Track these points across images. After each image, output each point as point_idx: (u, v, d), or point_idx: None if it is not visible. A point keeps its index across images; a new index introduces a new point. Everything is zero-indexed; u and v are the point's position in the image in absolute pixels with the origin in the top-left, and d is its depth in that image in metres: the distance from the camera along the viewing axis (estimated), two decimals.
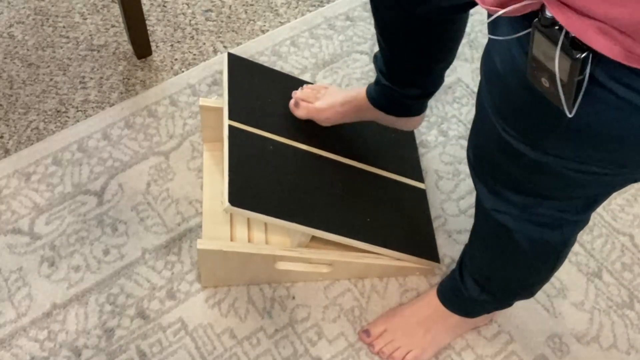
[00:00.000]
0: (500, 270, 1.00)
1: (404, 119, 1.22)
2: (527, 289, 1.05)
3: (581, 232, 1.31)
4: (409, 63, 1.10)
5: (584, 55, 0.56)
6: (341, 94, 1.26)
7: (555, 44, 0.57)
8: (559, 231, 0.88)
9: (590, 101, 0.61)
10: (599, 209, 1.35)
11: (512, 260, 0.95)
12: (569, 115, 0.62)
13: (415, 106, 1.20)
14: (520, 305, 1.23)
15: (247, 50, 1.56)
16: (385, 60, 1.12)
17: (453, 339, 1.18)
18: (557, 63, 0.58)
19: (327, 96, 1.26)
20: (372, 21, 1.62)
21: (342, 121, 1.25)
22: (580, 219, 0.88)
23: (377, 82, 1.18)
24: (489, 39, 0.70)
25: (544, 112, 0.64)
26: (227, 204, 1.05)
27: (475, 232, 1.01)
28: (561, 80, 0.59)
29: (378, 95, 1.19)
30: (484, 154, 0.83)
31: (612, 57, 0.55)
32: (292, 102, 1.25)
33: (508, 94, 0.69)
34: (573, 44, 0.56)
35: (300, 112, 1.24)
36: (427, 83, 1.15)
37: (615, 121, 0.61)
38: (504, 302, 1.10)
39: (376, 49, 1.57)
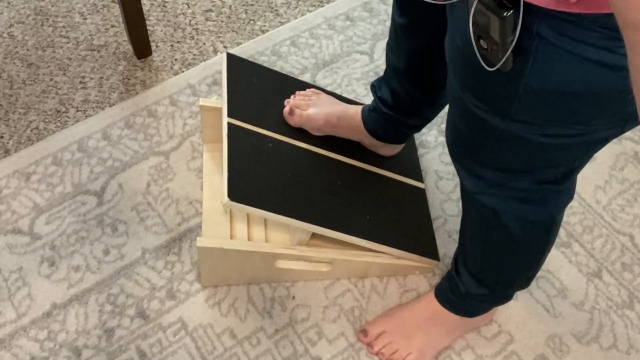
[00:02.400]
0: (493, 258, 1.01)
1: (389, 146, 1.28)
2: (522, 276, 1.05)
3: (581, 232, 1.32)
4: (421, 91, 1.13)
5: (510, 12, 0.59)
6: (338, 107, 1.27)
7: (484, 4, 0.60)
8: (544, 206, 0.89)
9: (541, 59, 0.63)
10: (599, 209, 1.35)
11: (504, 245, 0.96)
12: (488, 70, 0.64)
13: (408, 135, 1.27)
14: (520, 305, 1.23)
15: (247, 50, 1.56)
16: (395, 90, 1.15)
17: (453, 341, 1.18)
18: (472, 14, 0.62)
19: (320, 104, 1.26)
20: (372, 21, 1.63)
21: (332, 133, 1.26)
22: (562, 190, 0.88)
23: (374, 109, 1.20)
24: (449, 25, 0.74)
25: (502, 77, 0.66)
26: (226, 199, 1.05)
27: (464, 222, 1.01)
28: (495, 41, 0.62)
29: (374, 122, 1.22)
30: (460, 134, 0.84)
31: (541, 4, 0.57)
32: (286, 109, 1.25)
33: (469, 66, 0.71)
34: (501, 4, 0.59)
35: (294, 120, 1.25)
36: (430, 112, 1.19)
37: (566, 75, 0.63)
38: (502, 294, 1.09)
39: (376, 48, 1.58)
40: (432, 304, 1.14)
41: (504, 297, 1.11)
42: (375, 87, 1.20)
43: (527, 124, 0.71)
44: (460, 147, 0.86)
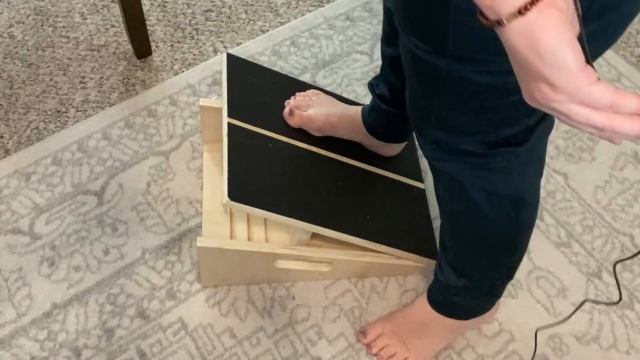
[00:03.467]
0: (466, 239, 0.99)
1: (390, 146, 1.27)
2: (501, 265, 1.02)
3: (581, 232, 1.32)
4: None
5: None
6: (338, 107, 1.27)
7: None
8: (509, 176, 0.87)
9: None
10: (599, 209, 1.35)
11: (475, 223, 0.94)
12: None
13: (408, 132, 1.26)
14: (520, 305, 1.23)
15: (247, 50, 1.56)
16: (392, 83, 1.15)
17: (448, 343, 1.17)
18: None
19: (320, 105, 1.26)
20: (372, 21, 1.63)
21: (332, 134, 1.26)
22: (524, 155, 0.86)
23: (373, 108, 1.20)
24: None
25: (431, 6, 0.65)
26: (226, 199, 1.05)
27: (439, 205, 0.99)
28: None
29: (374, 121, 1.22)
30: (412, 93, 0.84)
31: None
32: (286, 110, 1.25)
33: (407, 2, 0.71)
34: None
35: (294, 121, 1.25)
36: None
37: None
38: (483, 287, 1.06)
39: (376, 48, 1.58)
40: (425, 308, 1.13)
41: (488, 292, 1.08)
42: (372, 85, 1.20)
43: (466, 60, 0.70)
44: (414, 109, 0.86)
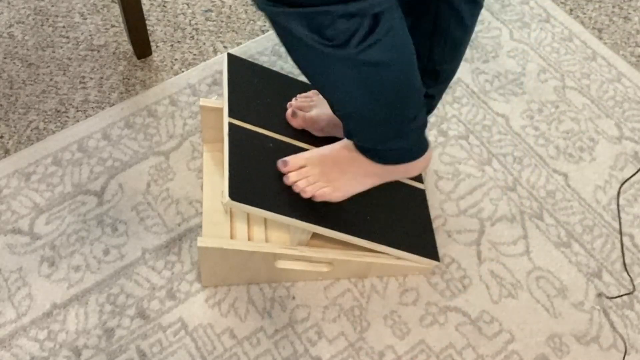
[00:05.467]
0: (322, 71, 1.00)
1: None
2: (379, 103, 1.01)
3: (581, 232, 1.32)
4: (422, 64, 1.13)
5: None
6: None
7: None
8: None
9: None
10: (599, 209, 1.35)
11: (304, 52, 0.95)
12: None
13: None
14: (520, 305, 1.23)
15: (247, 50, 1.56)
16: None
17: (369, 187, 1.16)
18: None
19: (322, 105, 1.26)
20: None
21: (335, 134, 1.26)
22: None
23: None
24: None
25: None
26: (227, 198, 1.05)
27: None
28: None
29: None
30: None
31: None
32: (289, 112, 1.25)
33: None
34: None
35: (297, 122, 1.25)
36: (434, 87, 1.19)
37: None
38: (388, 131, 1.06)
39: None
40: (350, 145, 1.14)
41: (395, 135, 1.08)
42: None
43: None
44: None
